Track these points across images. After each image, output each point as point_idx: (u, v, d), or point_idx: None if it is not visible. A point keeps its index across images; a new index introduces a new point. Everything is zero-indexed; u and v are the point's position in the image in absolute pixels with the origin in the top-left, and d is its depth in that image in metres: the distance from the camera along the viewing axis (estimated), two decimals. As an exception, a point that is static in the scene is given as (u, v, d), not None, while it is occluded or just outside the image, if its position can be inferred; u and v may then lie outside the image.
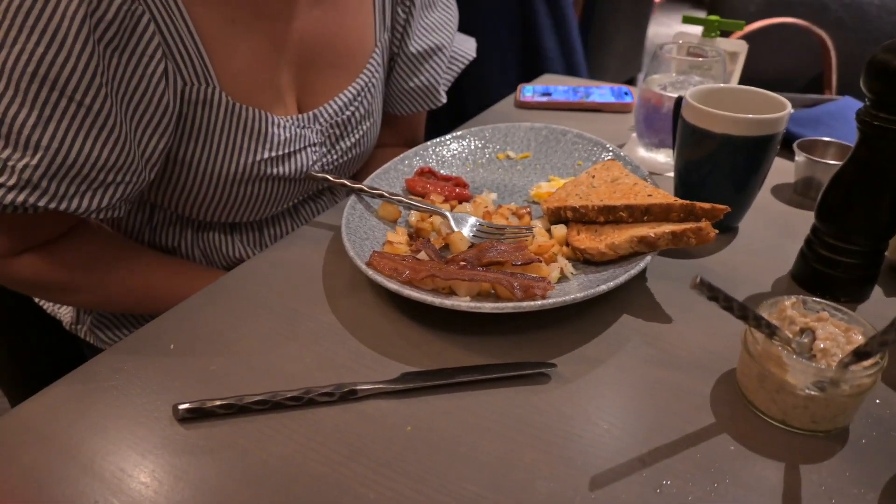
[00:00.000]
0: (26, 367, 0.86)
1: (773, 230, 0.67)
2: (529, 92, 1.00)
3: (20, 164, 0.51)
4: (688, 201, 0.55)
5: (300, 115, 0.68)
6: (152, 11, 0.55)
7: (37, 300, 0.80)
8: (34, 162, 0.52)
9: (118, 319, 0.75)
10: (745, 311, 0.39)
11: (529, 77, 1.58)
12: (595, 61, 2.08)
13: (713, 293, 0.37)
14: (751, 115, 0.58)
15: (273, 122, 0.65)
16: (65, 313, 0.77)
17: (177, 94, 0.58)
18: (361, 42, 0.73)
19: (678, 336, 0.52)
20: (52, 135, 0.52)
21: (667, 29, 4.95)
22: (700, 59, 0.77)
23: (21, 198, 0.52)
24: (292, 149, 0.67)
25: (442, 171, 0.72)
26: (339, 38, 0.70)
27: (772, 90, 1.05)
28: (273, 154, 0.66)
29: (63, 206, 0.54)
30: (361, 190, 0.64)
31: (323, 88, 0.71)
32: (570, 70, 1.60)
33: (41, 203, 0.53)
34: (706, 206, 0.54)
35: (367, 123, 0.77)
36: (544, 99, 0.97)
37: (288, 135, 0.67)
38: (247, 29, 0.62)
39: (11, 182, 0.51)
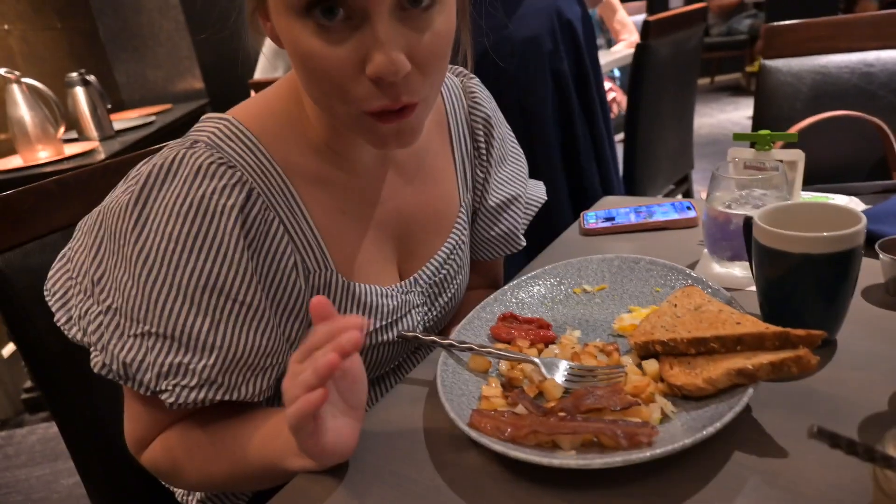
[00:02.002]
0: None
1: (874, 338, 0.64)
2: (593, 218, 1.03)
3: (199, 366, 0.58)
4: (781, 329, 0.55)
5: (403, 282, 0.75)
6: (279, 214, 0.64)
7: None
8: (211, 361, 0.59)
9: (225, 497, 0.78)
10: (872, 454, 0.38)
11: (576, 198, 1.66)
12: (646, 165, 2.13)
13: (834, 441, 0.37)
14: (827, 234, 0.58)
15: (382, 294, 0.72)
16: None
17: (306, 281, 0.66)
18: (449, 206, 0.81)
19: (798, 472, 0.50)
20: (223, 335, 0.59)
21: (710, 119, 5.03)
22: (759, 174, 0.79)
23: (202, 395, 0.59)
24: (400, 314, 0.74)
25: (523, 314, 0.75)
26: (430, 206, 0.78)
27: (835, 181, 1.05)
28: (383, 322, 0.72)
29: (235, 396, 0.60)
30: (451, 345, 0.67)
31: (420, 253, 0.78)
32: (605, 185, 1.68)
33: (217, 396, 0.59)
34: (801, 332, 0.54)
35: (460, 277, 0.83)
36: (608, 224, 1.00)
37: (395, 303, 0.73)
38: (354, 216, 0.71)
39: (193, 383, 0.58)
